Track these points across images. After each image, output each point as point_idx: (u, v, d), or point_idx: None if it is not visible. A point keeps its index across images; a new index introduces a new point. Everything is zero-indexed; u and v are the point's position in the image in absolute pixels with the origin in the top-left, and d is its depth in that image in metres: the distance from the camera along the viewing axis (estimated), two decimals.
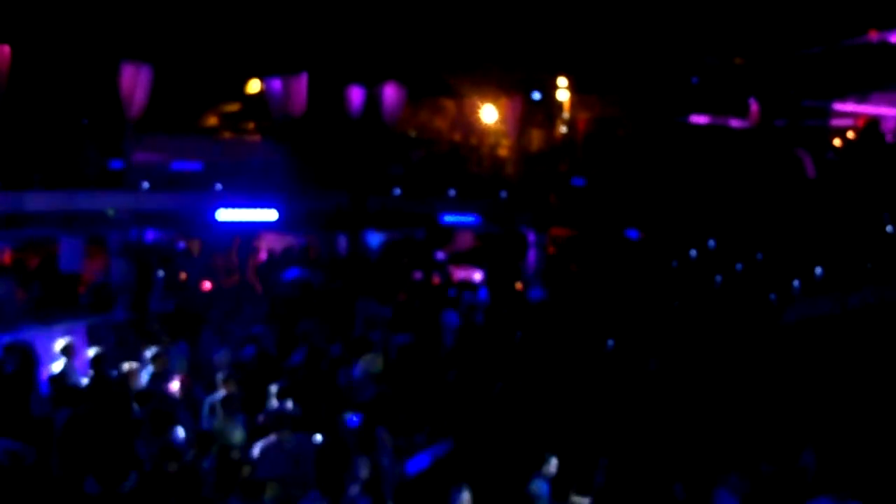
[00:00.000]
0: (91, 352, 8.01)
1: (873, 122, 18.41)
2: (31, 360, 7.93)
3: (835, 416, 7.87)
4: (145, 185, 13.20)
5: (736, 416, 8.07)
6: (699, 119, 19.19)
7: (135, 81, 13.19)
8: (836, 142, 19.24)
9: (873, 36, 17.22)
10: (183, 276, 13.25)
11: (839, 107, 19.31)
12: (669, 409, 8.35)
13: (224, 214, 13.51)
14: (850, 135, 19.11)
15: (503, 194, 16.54)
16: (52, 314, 10.39)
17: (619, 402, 8.51)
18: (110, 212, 12.87)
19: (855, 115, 19.54)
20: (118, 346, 8.91)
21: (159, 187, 13.28)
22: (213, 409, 7.06)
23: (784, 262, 14.13)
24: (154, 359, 7.75)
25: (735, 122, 19.28)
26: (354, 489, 5.48)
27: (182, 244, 14.32)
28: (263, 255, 15.00)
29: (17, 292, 11.03)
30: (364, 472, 5.61)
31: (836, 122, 19.52)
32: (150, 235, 13.89)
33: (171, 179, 13.72)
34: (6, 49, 12.20)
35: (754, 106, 18.89)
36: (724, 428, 7.72)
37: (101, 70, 13.30)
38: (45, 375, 7.97)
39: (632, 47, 17.26)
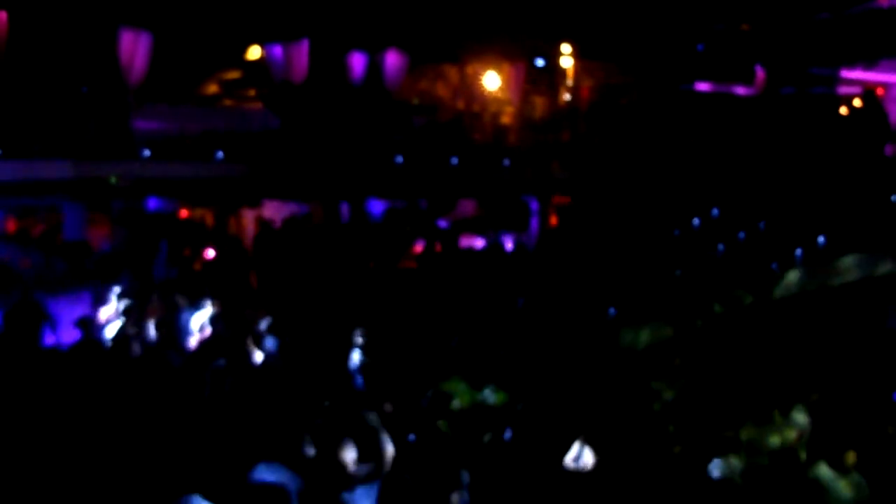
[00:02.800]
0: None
1: (869, 92, 18.20)
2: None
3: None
4: (146, 152, 13.18)
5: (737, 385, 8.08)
6: (704, 86, 18.99)
7: (134, 49, 13.11)
8: (843, 110, 19.05)
9: (883, 1, 16.94)
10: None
11: (847, 74, 19.07)
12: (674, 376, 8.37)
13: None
14: (857, 102, 18.92)
15: (506, 162, 16.47)
16: (56, 282, 10.46)
17: (620, 371, 8.54)
18: (112, 180, 12.88)
19: (863, 83, 19.31)
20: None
21: (161, 155, 13.26)
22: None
23: (787, 231, 14.11)
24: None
25: (740, 90, 19.08)
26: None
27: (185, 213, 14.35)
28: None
29: (21, 261, 11.10)
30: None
31: (844, 90, 19.30)
32: (153, 203, 13.92)
33: (172, 147, 13.70)
34: (4, 16, 12.11)
35: (760, 73, 18.67)
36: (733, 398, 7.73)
37: (100, 37, 13.20)
38: (49, 341, 8.09)
39: (637, 14, 17.02)
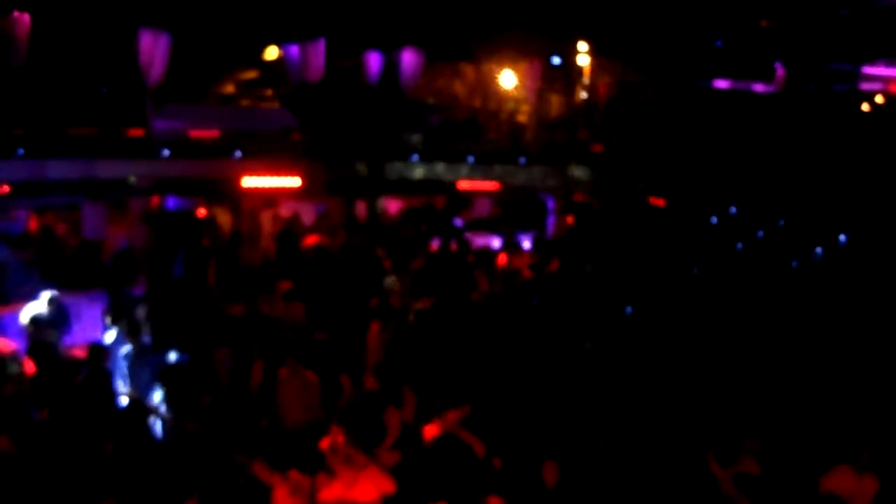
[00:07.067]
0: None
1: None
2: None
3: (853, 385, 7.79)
4: (165, 152, 13.30)
5: (753, 384, 8.02)
6: (722, 84, 18.82)
7: (153, 49, 13.23)
8: (865, 107, 18.80)
9: None
10: (206, 243, 13.36)
11: (868, 70, 18.82)
12: (689, 376, 8.33)
13: (248, 181, 13.60)
14: (880, 99, 18.66)
15: (522, 161, 16.43)
16: (76, 281, 10.56)
17: (637, 371, 8.50)
18: (131, 179, 13.01)
19: (885, 79, 19.04)
20: None
21: (179, 155, 13.38)
22: None
23: (806, 229, 13.95)
24: None
25: (759, 87, 18.89)
26: None
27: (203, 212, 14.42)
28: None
29: (40, 260, 11.22)
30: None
31: (866, 86, 19.05)
32: (172, 203, 14.04)
33: (191, 147, 13.81)
34: (26, 18, 12.28)
35: (780, 70, 18.47)
36: (743, 396, 7.67)
37: (119, 38, 13.34)
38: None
39: (654, 10, 16.90)
